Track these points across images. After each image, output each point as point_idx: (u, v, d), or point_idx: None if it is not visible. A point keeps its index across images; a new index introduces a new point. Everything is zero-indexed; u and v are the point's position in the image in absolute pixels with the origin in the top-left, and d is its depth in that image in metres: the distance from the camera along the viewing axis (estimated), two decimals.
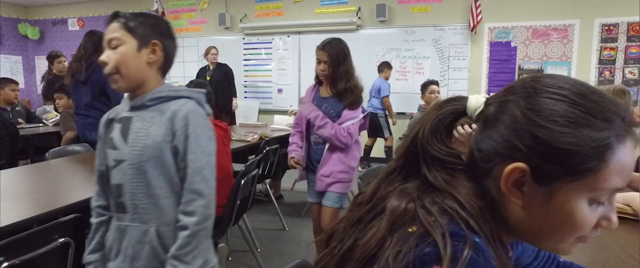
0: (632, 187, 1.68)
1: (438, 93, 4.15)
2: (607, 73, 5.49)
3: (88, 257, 1.34)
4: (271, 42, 7.03)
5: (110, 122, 1.32)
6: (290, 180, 3.17)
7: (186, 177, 1.24)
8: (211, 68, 5.84)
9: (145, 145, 1.22)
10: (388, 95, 5.60)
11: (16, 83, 4.64)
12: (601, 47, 5.47)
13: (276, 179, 4.28)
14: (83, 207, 1.68)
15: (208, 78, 5.68)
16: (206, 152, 1.26)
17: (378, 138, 5.90)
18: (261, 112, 7.14)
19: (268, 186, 3.92)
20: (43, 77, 5.51)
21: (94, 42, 3.27)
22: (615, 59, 5.43)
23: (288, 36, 6.90)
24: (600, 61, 5.49)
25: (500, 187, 0.57)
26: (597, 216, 0.56)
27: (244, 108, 6.88)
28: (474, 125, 0.64)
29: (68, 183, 2.15)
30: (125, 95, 1.33)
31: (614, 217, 0.58)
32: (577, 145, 0.52)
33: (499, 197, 0.58)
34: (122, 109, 1.31)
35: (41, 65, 8.75)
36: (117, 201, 1.27)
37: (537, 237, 0.60)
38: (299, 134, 2.57)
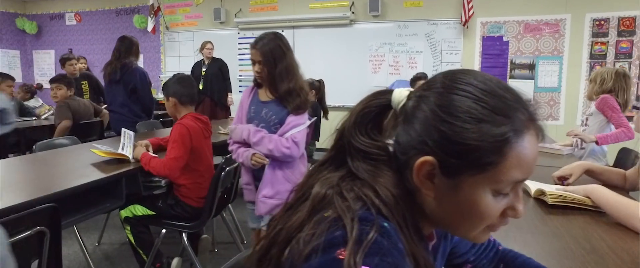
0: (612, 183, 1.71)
1: None
2: (598, 67, 5.48)
3: None
4: None
5: None
6: None
7: None
8: (206, 62, 5.85)
9: None
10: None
11: (13, 79, 4.68)
12: (592, 42, 5.48)
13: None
14: (61, 198, 1.73)
15: (203, 72, 5.70)
16: None
17: None
18: None
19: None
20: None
21: (126, 46, 3.79)
22: (606, 54, 5.44)
23: (282, 31, 6.84)
24: (591, 56, 5.50)
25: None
26: (502, 206, 0.59)
27: (239, 102, 6.87)
28: None
29: (50, 174, 2.17)
30: None
31: (520, 207, 0.60)
32: (477, 140, 0.54)
33: (416, 188, 0.61)
34: None
35: (39, 59, 8.79)
36: None
37: (449, 225, 0.64)
38: (238, 144, 2.17)
